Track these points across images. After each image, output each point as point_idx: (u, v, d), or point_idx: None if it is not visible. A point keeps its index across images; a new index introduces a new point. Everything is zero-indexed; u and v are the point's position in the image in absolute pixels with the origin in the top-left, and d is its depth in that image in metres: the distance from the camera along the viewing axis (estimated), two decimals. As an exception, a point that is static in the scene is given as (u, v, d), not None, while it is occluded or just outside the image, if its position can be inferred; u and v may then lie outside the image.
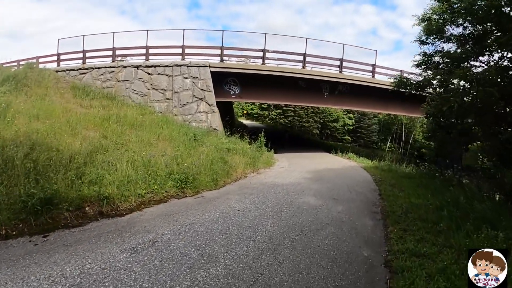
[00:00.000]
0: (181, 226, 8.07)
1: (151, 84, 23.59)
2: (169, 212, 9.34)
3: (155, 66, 23.72)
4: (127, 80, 23.75)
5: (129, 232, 7.50)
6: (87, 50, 26.02)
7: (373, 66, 28.02)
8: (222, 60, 25.19)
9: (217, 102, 24.50)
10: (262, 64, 25.58)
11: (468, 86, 13.22)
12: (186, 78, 23.66)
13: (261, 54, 25.59)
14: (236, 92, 26.02)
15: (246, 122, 63.57)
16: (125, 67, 23.91)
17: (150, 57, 24.88)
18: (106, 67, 24.27)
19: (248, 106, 72.96)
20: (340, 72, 26.76)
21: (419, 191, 13.49)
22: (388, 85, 25.63)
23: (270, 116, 69.47)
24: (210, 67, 23.89)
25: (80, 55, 26.11)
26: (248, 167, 17.66)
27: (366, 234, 8.77)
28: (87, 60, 25.83)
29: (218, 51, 25.34)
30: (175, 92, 23.53)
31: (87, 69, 24.69)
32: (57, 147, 10.79)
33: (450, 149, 18.50)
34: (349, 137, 72.41)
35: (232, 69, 25.09)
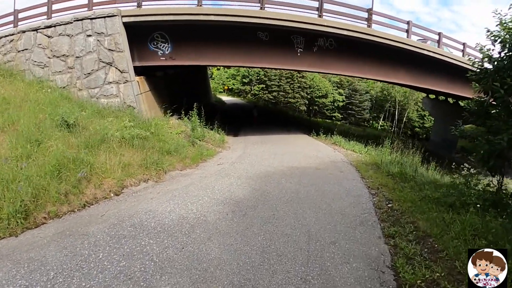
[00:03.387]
0: None
1: (51, 51, 16.53)
2: None
3: (54, 26, 16.42)
4: (26, 49, 17.10)
5: None
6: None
7: (369, 11, 17.88)
8: (139, 5, 16.46)
9: (145, 68, 17.64)
10: (198, 6, 16.45)
11: None
12: (90, 36, 15.95)
13: (195, -10, 16.68)
14: (166, 52, 17.31)
15: (226, 98, 55.58)
16: (24, 32, 17.22)
17: (53, 15, 17.27)
18: (5, 36, 17.74)
19: (229, 80, 64.07)
20: (320, 16, 17.09)
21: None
22: (393, 40, 18.13)
23: (252, 92, 60.69)
24: (122, 16, 15.90)
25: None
26: (146, 170, 10.25)
27: None
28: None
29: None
30: (77, 57, 16.10)
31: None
32: None
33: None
34: (339, 114, 66.47)
35: (153, 17, 16.21)
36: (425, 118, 67.73)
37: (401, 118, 68.45)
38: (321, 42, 17.59)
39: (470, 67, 21.29)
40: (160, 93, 19.04)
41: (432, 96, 42.59)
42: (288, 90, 60.10)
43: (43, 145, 9.09)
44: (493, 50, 8.48)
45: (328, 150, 17.26)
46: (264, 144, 18.15)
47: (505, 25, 8.02)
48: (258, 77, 60.43)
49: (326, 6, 16.89)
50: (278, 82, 59.84)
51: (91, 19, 15.74)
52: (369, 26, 17.55)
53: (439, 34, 20.41)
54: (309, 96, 62.91)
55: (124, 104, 15.71)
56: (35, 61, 16.78)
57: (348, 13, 17.66)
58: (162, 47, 17.09)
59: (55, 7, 17.13)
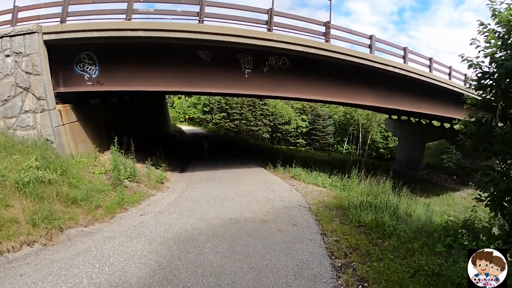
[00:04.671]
0: None
1: None
2: None
3: None
4: None
5: None
6: None
7: (327, 25, 15.01)
8: (63, 21, 13.53)
9: (78, 95, 14.99)
10: (127, 19, 13.37)
11: None
12: (8, 56, 13.17)
13: (126, 5, 13.55)
14: (93, 75, 14.14)
15: (186, 128, 51.79)
16: None
17: None
18: None
19: (190, 109, 61.13)
20: (269, 30, 14.22)
21: None
22: (355, 56, 15.34)
23: (213, 121, 57.86)
24: (43, 33, 13.11)
25: None
26: (34, 229, 7.54)
27: None
28: None
29: (59, 9, 13.75)
30: None
31: None
32: None
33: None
34: (303, 140, 64.92)
35: (77, 33, 13.13)
36: (389, 138, 67.19)
37: (365, 140, 67.31)
38: (272, 61, 14.66)
39: (439, 83, 19.26)
40: (96, 124, 16.05)
41: (394, 116, 42.30)
42: (250, 118, 57.91)
43: None
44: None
45: (284, 188, 14.06)
46: (208, 183, 14.99)
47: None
48: (219, 106, 57.97)
49: (276, 19, 14.10)
50: (240, 110, 57.66)
51: (11, 36, 13.07)
52: (327, 41, 14.84)
53: (404, 49, 17.90)
54: (272, 124, 60.94)
55: (41, 137, 12.91)
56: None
57: (303, 27, 14.78)
58: (89, 70, 14.01)
59: None
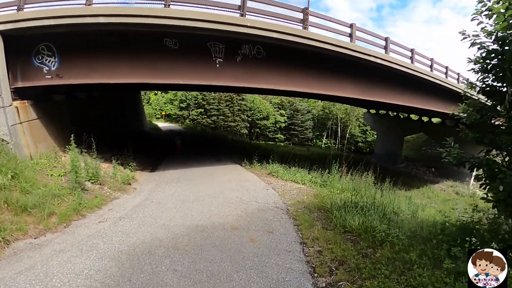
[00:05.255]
0: None
1: None
2: None
3: None
4: None
5: None
6: None
7: (305, 11, 13.87)
8: (20, 9, 12.26)
9: (43, 90, 14.10)
10: (87, 5, 12.00)
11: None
12: None
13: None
14: (52, 68, 12.90)
15: (163, 125, 50.14)
16: None
17: None
18: None
19: (167, 105, 59.37)
20: (242, 15, 12.74)
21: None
22: (334, 45, 14.28)
23: (190, 117, 56.35)
24: None
25: None
26: None
27: None
28: None
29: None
30: None
31: None
32: None
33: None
34: (281, 136, 63.86)
35: (34, 21, 11.90)
36: (367, 132, 66.96)
37: (344, 134, 66.76)
38: (246, 50, 13.44)
39: (421, 75, 18.33)
40: (60, 122, 14.89)
41: (373, 111, 42.06)
42: (228, 113, 56.63)
43: None
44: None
45: (260, 187, 12.82)
46: (179, 183, 13.72)
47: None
48: (196, 101, 56.41)
49: (250, 4, 12.89)
50: (217, 106, 56.29)
51: None
52: (305, 28, 13.67)
53: (386, 39, 16.81)
54: (250, 119, 59.80)
55: None
56: None
57: (279, 13, 13.57)
58: (48, 62, 12.83)
59: None
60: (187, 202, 10.39)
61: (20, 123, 12.50)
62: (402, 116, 39.54)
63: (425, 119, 36.64)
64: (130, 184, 13.29)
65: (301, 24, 13.67)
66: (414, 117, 37.87)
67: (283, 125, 63.62)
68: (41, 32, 12.21)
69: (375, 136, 53.64)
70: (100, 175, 12.31)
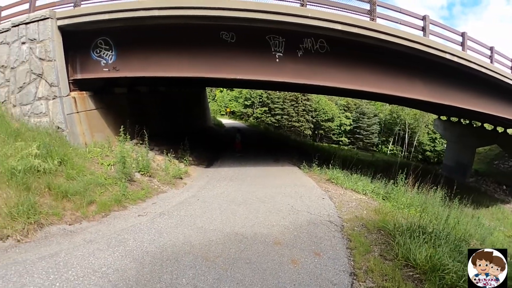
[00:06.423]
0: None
1: None
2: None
3: None
4: None
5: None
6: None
7: (371, 1, 12.26)
8: (77, 5, 12.54)
9: (88, 83, 13.82)
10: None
11: None
12: (24, 43, 12.85)
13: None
14: (110, 61, 13.14)
15: (227, 121, 50.19)
16: None
17: (1, 22, 14.36)
18: None
19: (232, 103, 59.58)
20: (303, 5, 11.85)
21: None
22: (406, 39, 12.49)
23: (254, 115, 56.12)
24: (57, 19, 12.47)
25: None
26: (12, 221, 6.64)
27: None
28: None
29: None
30: (12, 68, 13.12)
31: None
32: None
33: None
34: (346, 139, 62.47)
35: (90, 17, 12.15)
36: (437, 141, 63.40)
37: (411, 141, 63.42)
38: (308, 44, 12.29)
39: (504, 78, 16.12)
40: (120, 113, 15.02)
41: (444, 117, 38.50)
42: (292, 113, 55.84)
43: None
44: None
45: (316, 194, 11.43)
46: (231, 182, 13.02)
47: None
48: (261, 100, 56.22)
49: (312, -7, 11.75)
50: (282, 105, 55.79)
51: (26, 24, 12.70)
52: (372, 19, 12.25)
53: (462, 34, 14.67)
54: (314, 120, 58.71)
55: (52, 125, 12.23)
56: (-20, 72, 14.07)
57: (343, 3, 12.21)
58: (106, 55, 13.01)
59: (3, 13, 14.58)
60: (233, 204, 9.64)
61: (77, 112, 12.88)
62: (475, 125, 35.94)
63: (500, 129, 32.85)
64: (181, 178, 12.96)
65: (368, 15, 12.26)
66: (488, 126, 34.17)
67: (348, 128, 61.98)
68: (97, 27, 12.40)
69: (445, 146, 49.73)
70: (151, 167, 12.22)
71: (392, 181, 12.44)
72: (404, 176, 12.18)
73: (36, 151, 9.06)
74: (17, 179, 7.66)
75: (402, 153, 62.38)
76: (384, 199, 11.29)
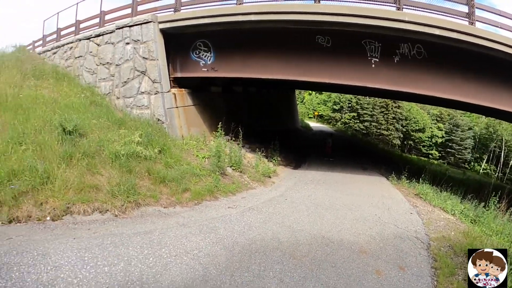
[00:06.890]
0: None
1: (99, 58, 16.14)
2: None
3: (102, 35, 15.98)
4: (81, 56, 17.29)
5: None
6: (61, 28, 20.70)
7: (470, 2, 11.28)
8: (176, 10, 14.05)
9: (200, 81, 16.01)
10: (238, 4, 12.87)
11: None
12: (128, 43, 14.73)
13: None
14: (208, 62, 14.47)
15: (314, 124, 50.14)
16: (80, 40, 17.50)
17: (106, 25, 16.71)
18: (67, 44, 18.46)
19: (320, 106, 59.30)
20: (399, 9, 11.37)
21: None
22: None
23: (342, 120, 55.56)
24: (159, 23, 14.07)
25: (55, 35, 21.19)
26: (112, 198, 7.63)
27: None
28: (61, 38, 20.46)
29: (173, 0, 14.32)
30: (117, 65, 15.15)
31: (56, 47, 19.57)
32: None
33: None
34: (436, 152, 58.87)
35: (189, 21, 13.45)
36: (537, 163, 56.77)
37: (507, 161, 57.25)
38: (404, 49, 11.85)
39: None
40: (215, 111, 16.50)
41: None
42: (382, 120, 54.34)
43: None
44: None
45: (403, 208, 11.23)
46: (318, 185, 13.11)
47: None
48: (350, 105, 55.38)
49: (409, -5, 11.49)
50: (371, 111, 54.46)
51: (130, 26, 14.55)
52: (471, 23, 11.40)
53: None
54: (404, 129, 56.38)
55: (153, 117, 13.80)
56: (87, 68, 16.58)
57: (439, 5, 11.61)
58: (204, 56, 14.44)
59: (107, 17, 16.76)
60: (320, 208, 9.82)
61: (176, 107, 14.29)
62: None
63: None
64: (270, 177, 13.49)
65: (466, 19, 11.45)
66: None
67: (439, 140, 58.54)
68: (197, 30, 13.62)
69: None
70: (243, 164, 12.97)
71: (483, 203, 11.80)
72: (498, 199, 11.49)
73: (139, 139, 10.23)
74: (120, 162, 8.66)
75: (496, 173, 56.68)
76: (472, 223, 10.74)
